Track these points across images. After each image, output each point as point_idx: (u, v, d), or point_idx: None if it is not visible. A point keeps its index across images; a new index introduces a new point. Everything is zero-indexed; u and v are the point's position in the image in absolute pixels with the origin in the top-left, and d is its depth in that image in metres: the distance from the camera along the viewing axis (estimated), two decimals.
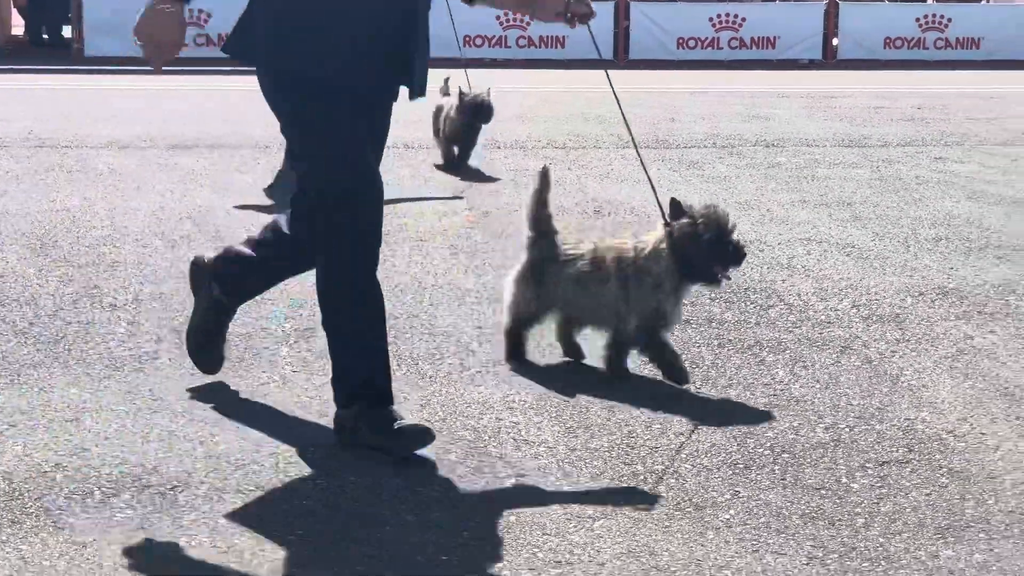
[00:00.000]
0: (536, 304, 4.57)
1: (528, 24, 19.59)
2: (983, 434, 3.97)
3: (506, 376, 4.50)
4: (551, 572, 3.05)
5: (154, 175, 8.54)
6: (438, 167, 9.08)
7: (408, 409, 4.07)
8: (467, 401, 4.24)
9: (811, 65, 19.85)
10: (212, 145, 9.91)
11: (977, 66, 19.60)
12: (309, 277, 4.09)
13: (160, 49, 3.55)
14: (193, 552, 3.12)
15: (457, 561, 3.10)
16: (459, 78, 9.08)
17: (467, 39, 19.36)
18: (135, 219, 7.06)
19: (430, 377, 4.48)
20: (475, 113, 8.90)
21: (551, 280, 4.53)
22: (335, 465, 3.68)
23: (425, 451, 3.72)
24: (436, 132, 9.24)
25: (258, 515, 3.34)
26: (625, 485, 3.57)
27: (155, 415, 4.05)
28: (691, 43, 19.91)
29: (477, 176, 8.73)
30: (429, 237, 6.77)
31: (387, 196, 3.90)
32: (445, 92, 9.26)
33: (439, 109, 9.14)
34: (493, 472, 3.65)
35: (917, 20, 20.50)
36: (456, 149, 9.09)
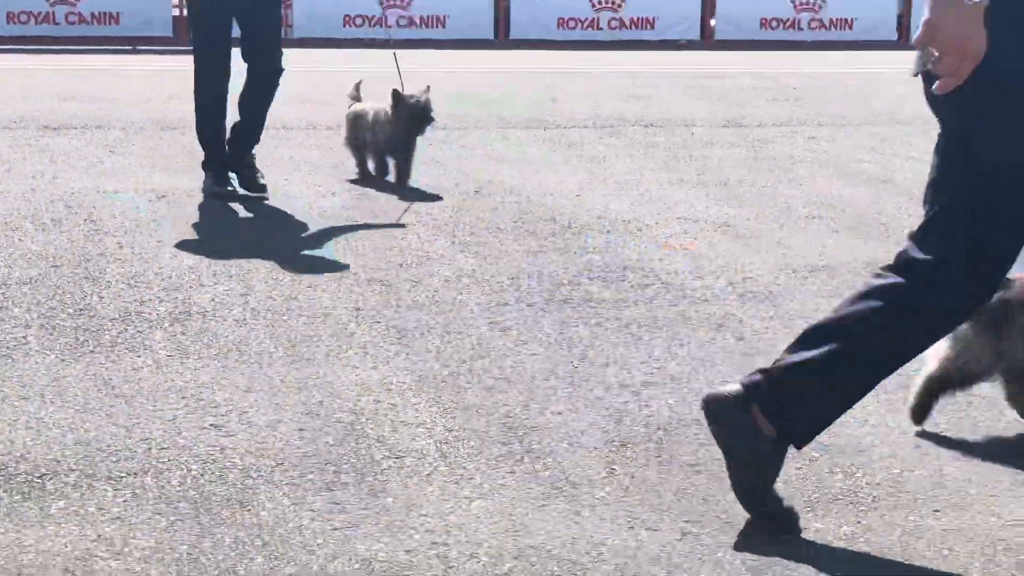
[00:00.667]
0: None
1: (408, 4, 19.52)
2: (853, 408, 4.04)
3: (384, 357, 4.49)
4: (428, 553, 3.05)
5: (25, 157, 8.36)
6: (353, 181, 7.81)
7: (285, 391, 4.05)
8: (345, 383, 4.22)
9: (689, 46, 20.04)
10: (84, 126, 9.71)
11: (850, 47, 19.96)
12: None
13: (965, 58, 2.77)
14: (63, 541, 3.07)
15: (333, 544, 3.09)
16: (372, 80, 8.46)
17: (347, 19, 19.27)
18: (5, 202, 6.90)
19: (307, 359, 4.45)
20: (420, 120, 7.62)
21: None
22: (208, 450, 3.63)
23: None
24: (354, 141, 7.86)
25: (129, 502, 3.29)
26: (502, 465, 3.58)
27: (24, 402, 3.97)
28: (571, 23, 20.00)
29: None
30: (309, 219, 6.72)
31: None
32: (356, 97, 8.03)
33: (359, 115, 7.82)
34: (370, 455, 3.64)
35: (792, 1, 20.81)
36: (392, 162, 7.76)
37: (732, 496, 3.33)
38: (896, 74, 15.46)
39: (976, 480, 3.48)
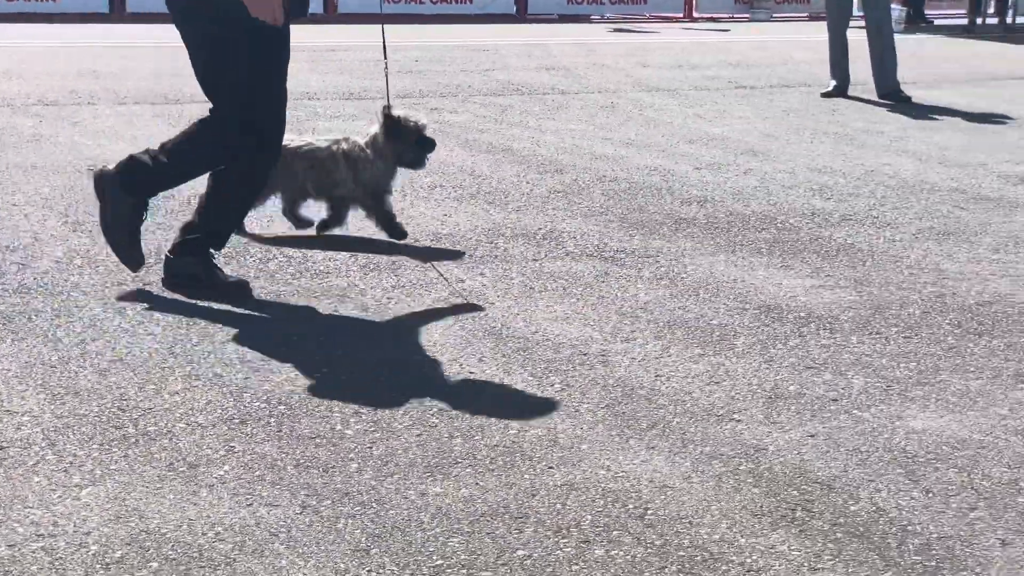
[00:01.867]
0: None
1: None
2: (471, 373, 4.11)
3: None
4: (32, 547, 2.89)
5: None
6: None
7: None
8: None
9: (313, 19, 19.90)
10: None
11: (469, 20, 20.35)
12: None
13: None
14: None
15: None
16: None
17: None
18: None
19: None
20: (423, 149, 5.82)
21: None
22: None
23: None
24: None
25: None
26: (115, 450, 3.44)
27: None
28: None
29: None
30: None
31: None
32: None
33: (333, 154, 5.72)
34: None
35: None
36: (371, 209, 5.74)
37: (354, 466, 3.33)
38: (514, 47, 15.87)
39: (587, 437, 3.59)
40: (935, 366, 4.26)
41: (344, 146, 5.80)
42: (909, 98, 11.00)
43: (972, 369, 4.23)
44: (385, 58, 5.80)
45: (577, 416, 3.76)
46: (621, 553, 2.91)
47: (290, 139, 5.56)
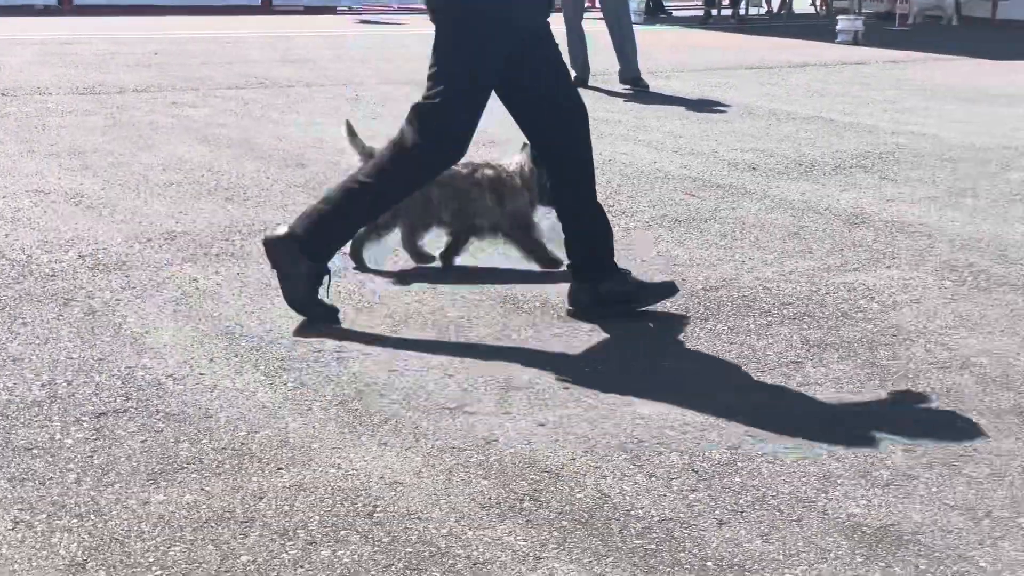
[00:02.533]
0: None
1: None
2: (202, 374, 4.02)
3: None
4: None
5: None
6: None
7: None
8: None
9: (47, 11, 19.22)
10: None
11: (212, 11, 19.96)
12: None
13: None
14: None
15: None
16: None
17: None
18: None
19: None
20: None
21: None
22: None
23: None
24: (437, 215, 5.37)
25: None
26: None
27: None
28: None
29: None
30: None
31: None
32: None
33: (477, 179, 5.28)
34: None
35: None
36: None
37: (72, 477, 3.21)
38: (258, 39, 15.64)
39: (318, 436, 3.56)
40: (663, 352, 4.37)
41: (488, 173, 5.34)
42: (647, 86, 11.30)
43: (697, 353, 4.36)
44: None
45: (309, 415, 3.72)
46: (348, 553, 2.89)
47: None
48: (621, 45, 11.43)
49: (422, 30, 17.94)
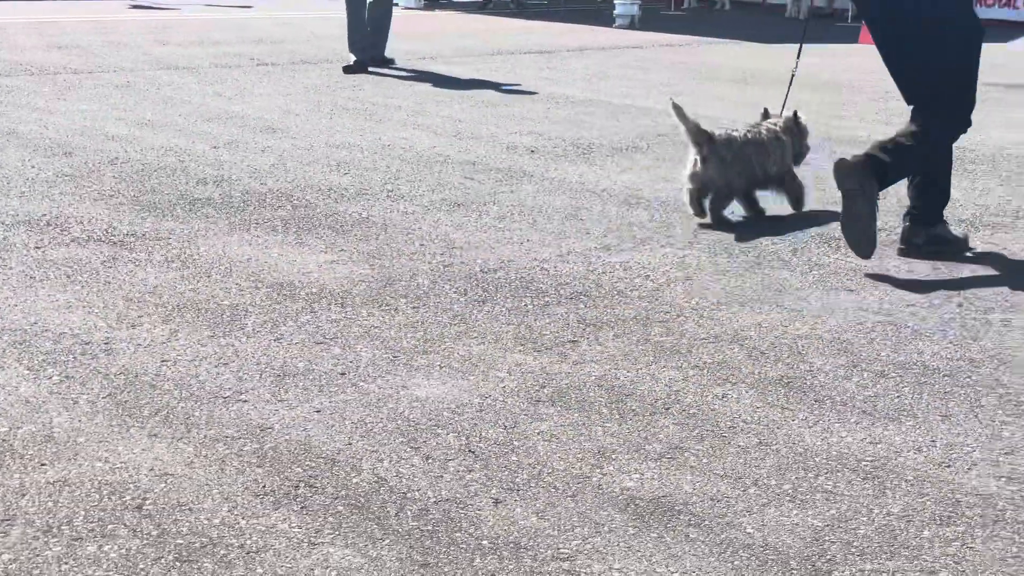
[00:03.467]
0: None
1: None
2: None
3: None
4: None
5: None
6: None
7: None
8: None
9: None
10: None
11: None
12: None
13: None
14: None
15: None
16: None
17: None
18: None
19: None
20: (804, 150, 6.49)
21: None
22: None
23: None
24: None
25: None
26: None
27: None
28: None
29: None
30: None
31: None
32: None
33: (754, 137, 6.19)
34: None
35: None
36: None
37: None
38: (25, 24, 15.09)
39: (85, 429, 3.44)
40: (440, 334, 4.37)
41: (770, 132, 6.22)
42: (392, 60, 11.51)
43: (475, 335, 4.36)
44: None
45: (75, 408, 3.59)
46: (115, 547, 2.80)
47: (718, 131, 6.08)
48: (375, 26, 11.53)
49: (199, 15, 17.50)
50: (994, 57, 13.23)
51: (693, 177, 6.02)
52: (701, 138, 5.95)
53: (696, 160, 5.99)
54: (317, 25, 16.05)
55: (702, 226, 5.97)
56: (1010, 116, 9.54)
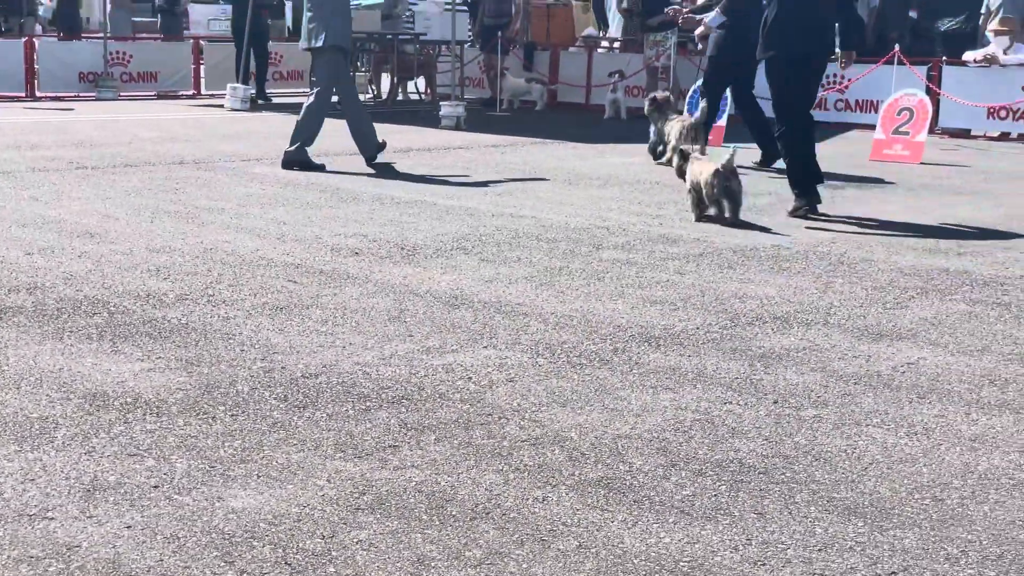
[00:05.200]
0: None
1: None
2: None
3: None
4: None
5: None
6: None
7: None
8: None
9: None
10: None
11: None
12: None
13: None
14: None
15: None
16: None
17: None
18: None
19: None
20: None
21: None
22: None
23: None
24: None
25: None
26: None
27: None
28: None
29: None
30: None
31: None
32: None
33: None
34: None
35: None
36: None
37: None
38: None
39: None
40: (259, 442, 4.29)
41: None
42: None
43: (295, 442, 4.30)
44: None
45: None
46: None
47: None
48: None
49: (18, 118, 17.12)
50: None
51: None
52: None
53: None
54: (139, 128, 15.85)
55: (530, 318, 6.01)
56: (822, 212, 9.85)
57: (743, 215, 9.32)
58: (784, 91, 9.67)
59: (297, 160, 11.98)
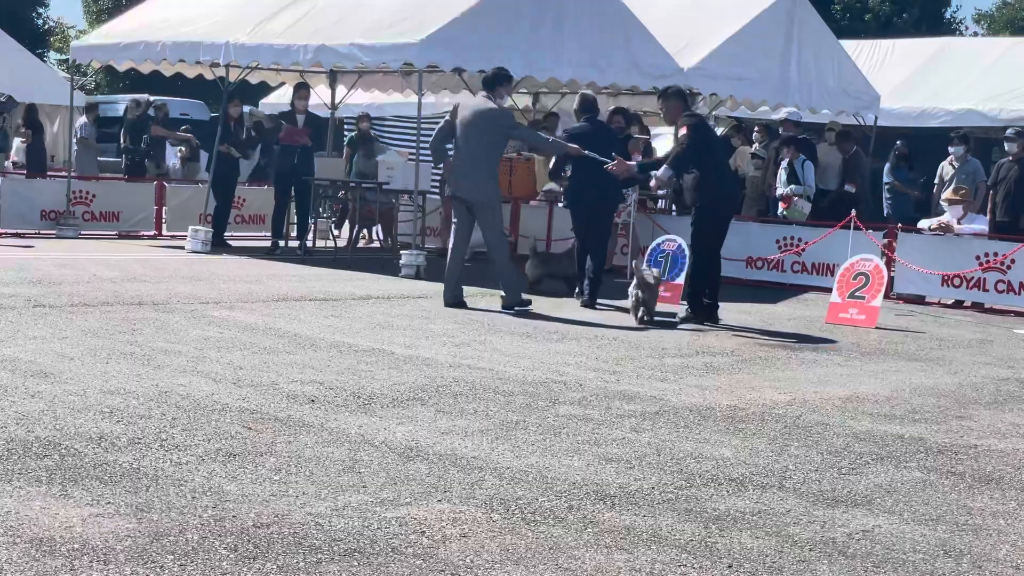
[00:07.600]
0: None
1: None
2: None
3: None
4: None
5: None
6: None
7: None
8: None
9: None
10: None
11: None
12: None
13: None
14: None
15: None
16: None
17: None
18: None
19: None
20: None
21: None
22: None
23: None
24: None
25: None
26: None
27: None
28: None
29: None
30: None
31: None
32: None
33: None
34: None
35: None
36: None
37: None
38: None
39: None
40: None
41: None
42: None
43: None
44: None
45: None
46: None
47: None
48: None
49: None
50: (768, 318, 13.86)
51: None
52: None
53: None
54: (99, 267, 15.84)
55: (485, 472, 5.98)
56: (778, 375, 9.92)
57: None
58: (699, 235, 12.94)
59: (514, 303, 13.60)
